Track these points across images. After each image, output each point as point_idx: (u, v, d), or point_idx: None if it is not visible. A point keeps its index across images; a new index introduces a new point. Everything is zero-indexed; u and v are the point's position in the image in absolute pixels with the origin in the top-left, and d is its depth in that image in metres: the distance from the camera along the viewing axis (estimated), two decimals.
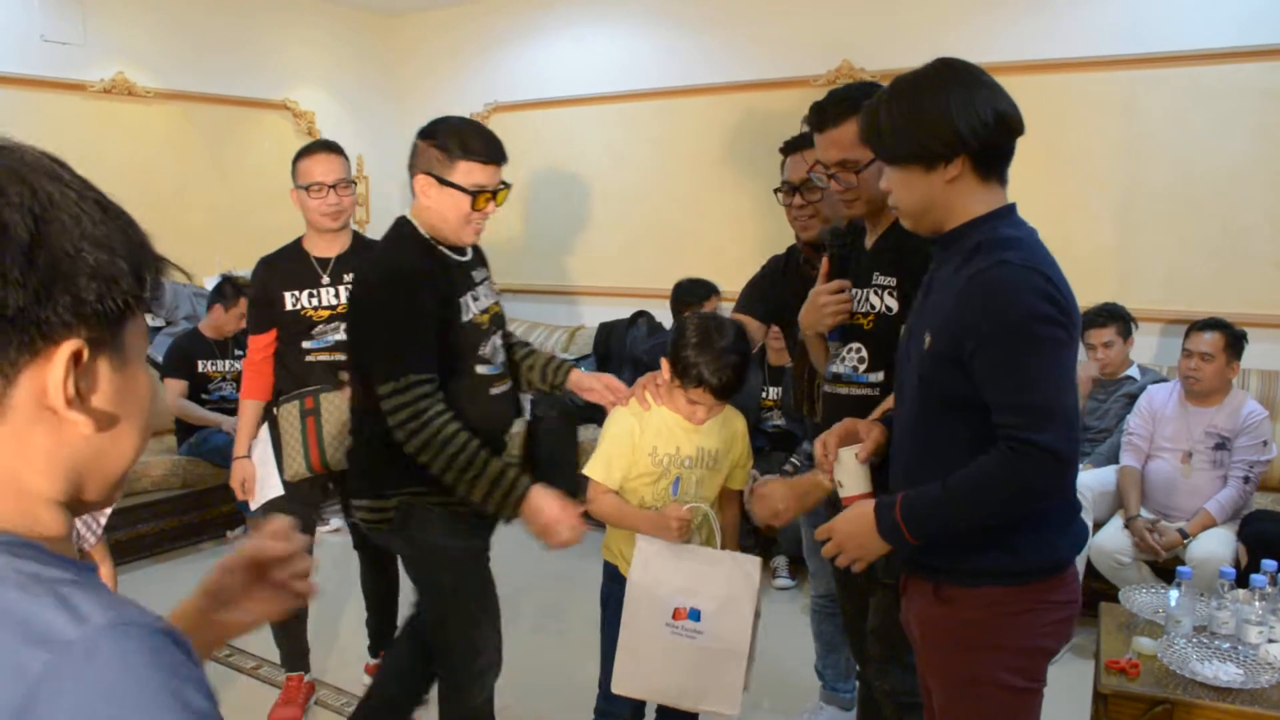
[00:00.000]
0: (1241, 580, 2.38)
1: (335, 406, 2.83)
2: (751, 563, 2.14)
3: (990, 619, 1.64)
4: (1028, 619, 1.64)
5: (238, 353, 4.90)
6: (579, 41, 5.88)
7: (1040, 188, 4.21)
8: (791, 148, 2.51)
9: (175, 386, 4.68)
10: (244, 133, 5.77)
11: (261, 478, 2.99)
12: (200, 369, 4.78)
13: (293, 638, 3.13)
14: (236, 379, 4.89)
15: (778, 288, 2.62)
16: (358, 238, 3.14)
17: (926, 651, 1.75)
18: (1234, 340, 3.65)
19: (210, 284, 5.46)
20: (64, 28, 4.94)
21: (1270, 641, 2.18)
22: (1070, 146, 4.43)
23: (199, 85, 5.51)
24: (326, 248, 3.02)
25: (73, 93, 4.98)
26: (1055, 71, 4.47)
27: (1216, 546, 3.35)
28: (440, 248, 2.24)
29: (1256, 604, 2.24)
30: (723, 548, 2.25)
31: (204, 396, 4.76)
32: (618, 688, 2.19)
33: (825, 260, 2.18)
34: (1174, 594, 2.34)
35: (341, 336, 2.89)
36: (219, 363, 4.85)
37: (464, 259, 2.29)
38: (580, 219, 5.92)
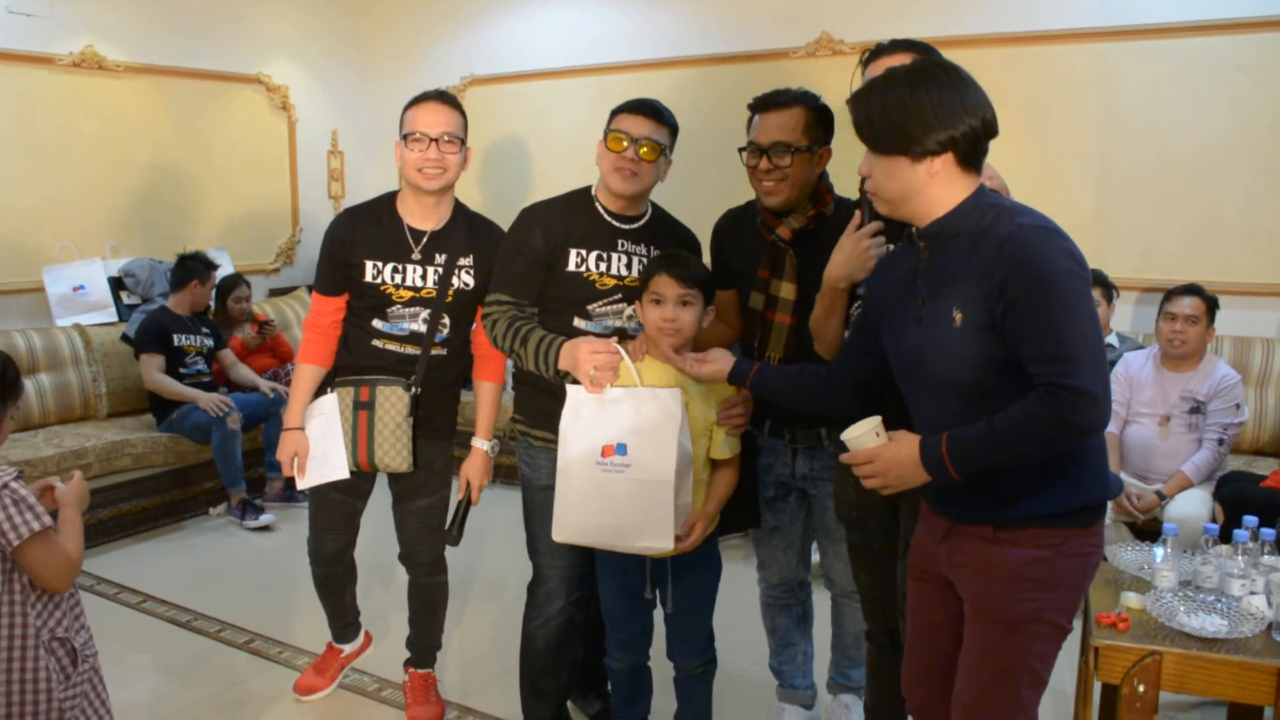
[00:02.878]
0: (1224, 536, 2.45)
1: (393, 403, 2.57)
2: (671, 394, 2.20)
3: (1053, 558, 1.72)
4: (1081, 561, 1.75)
5: (205, 330, 4.88)
6: (556, 14, 5.85)
7: (1018, 160, 4.26)
8: (762, 105, 2.38)
9: (153, 361, 4.66)
10: (218, 107, 5.70)
11: (320, 455, 2.62)
12: (176, 343, 4.75)
13: (336, 608, 2.99)
14: (208, 355, 4.86)
15: (726, 247, 2.57)
16: (461, 210, 2.72)
17: (977, 594, 1.78)
18: (1210, 306, 3.74)
19: None
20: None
21: (1252, 594, 2.25)
22: (1048, 119, 4.48)
23: (171, 59, 5.42)
24: (423, 216, 2.62)
25: (40, 66, 4.89)
26: (1032, 44, 4.52)
27: (1194, 507, 3.44)
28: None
29: (1239, 558, 2.30)
30: (705, 501, 2.30)
31: (181, 371, 4.72)
32: (559, 535, 2.26)
33: (858, 212, 2.13)
34: (1159, 550, 2.41)
35: (420, 326, 2.61)
36: (193, 337, 4.82)
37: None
38: (556, 192, 5.86)
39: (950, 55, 1.86)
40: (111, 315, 5.09)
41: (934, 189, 1.71)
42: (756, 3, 5.20)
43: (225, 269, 5.38)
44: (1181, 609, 2.22)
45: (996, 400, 1.65)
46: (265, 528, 4.62)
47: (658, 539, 2.20)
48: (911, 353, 1.81)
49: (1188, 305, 3.70)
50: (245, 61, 5.80)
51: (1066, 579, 1.75)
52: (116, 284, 5.16)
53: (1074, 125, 4.51)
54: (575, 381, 2.25)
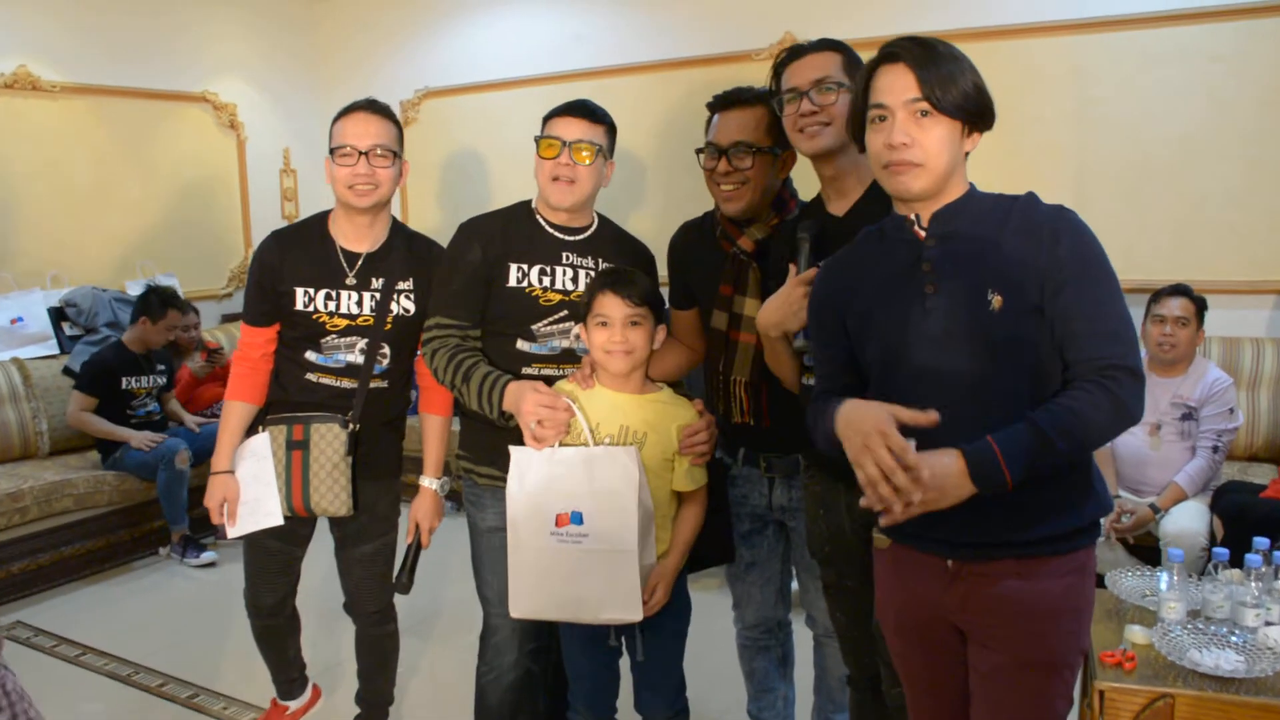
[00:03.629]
0: (1233, 558, 2.28)
1: (329, 442, 2.35)
2: (627, 453, 2.00)
3: (1081, 583, 1.63)
4: (1093, 580, 1.67)
5: (160, 368, 4.64)
6: (512, 23, 5.66)
7: (993, 158, 4.06)
8: (722, 103, 2.22)
9: (81, 401, 4.43)
10: (162, 128, 5.46)
11: (252, 500, 2.40)
12: (125, 385, 4.51)
13: (279, 663, 2.75)
14: (157, 394, 4.63)
15: (684, 263, 2.37)
16: (399, 230, 2.49)
17: (1014, 640, 1.62)
18: (1199, 307, 3.59)
19: (133, 289, 5.20)
20: None
21: (1268, 624, 2.08)
22: (1021, 116, 4.32)
23: (110, 78, 5.18)
24: (357, 237, 2.40)
25: None
26: (1001, 38, 4.37)
27: (1190, 521, 3.27)
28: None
29: (1251, 585, 2.14)
30: (668, 552, 2.11)
31: (128, 413, 4.49)
32: (516, 610, 2.07)
33: (800, 255, 1.96)
34: (1164, 577, 2.23)
35: (357, 358, 2.39)
36: (143, 379, 4.58)
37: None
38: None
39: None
40: (53, 348, 4.84)
41: (960, 168, 1.65)
42: (718, 5, 5.03)
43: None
44: (1192, 644, 2.04)
45: (1019, 395, 1.56)
46: (210, 564, 4.41)
47: (624, 611, 2.01)
48: (921, 348, 1.63)
49: (1177, 307, 3.54)
50: (190, 80, 5.57)
51: (1088, 603, 1.67)
52: (58, 315, 4.91)
53: (1047, 122, 4.35)
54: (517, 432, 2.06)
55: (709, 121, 2.25)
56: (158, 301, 4.60)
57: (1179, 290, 3.59)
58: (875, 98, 1.63)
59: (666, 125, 5.15)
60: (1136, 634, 2.14)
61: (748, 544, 2.39)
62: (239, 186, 5.85)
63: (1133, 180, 4.23)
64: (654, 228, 2.43)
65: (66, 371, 4.71)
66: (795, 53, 2.06)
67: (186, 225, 5.60)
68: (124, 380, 4.51)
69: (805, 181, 2.29)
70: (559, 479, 2.01)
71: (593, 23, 5.41)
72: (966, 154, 1.66)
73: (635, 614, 2.02)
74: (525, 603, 2.07)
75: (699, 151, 2.23)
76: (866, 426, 1.54)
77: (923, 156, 1.59)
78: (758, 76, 2.40)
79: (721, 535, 2.31)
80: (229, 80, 5.77)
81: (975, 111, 1.61)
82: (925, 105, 1.58)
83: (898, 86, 1.60)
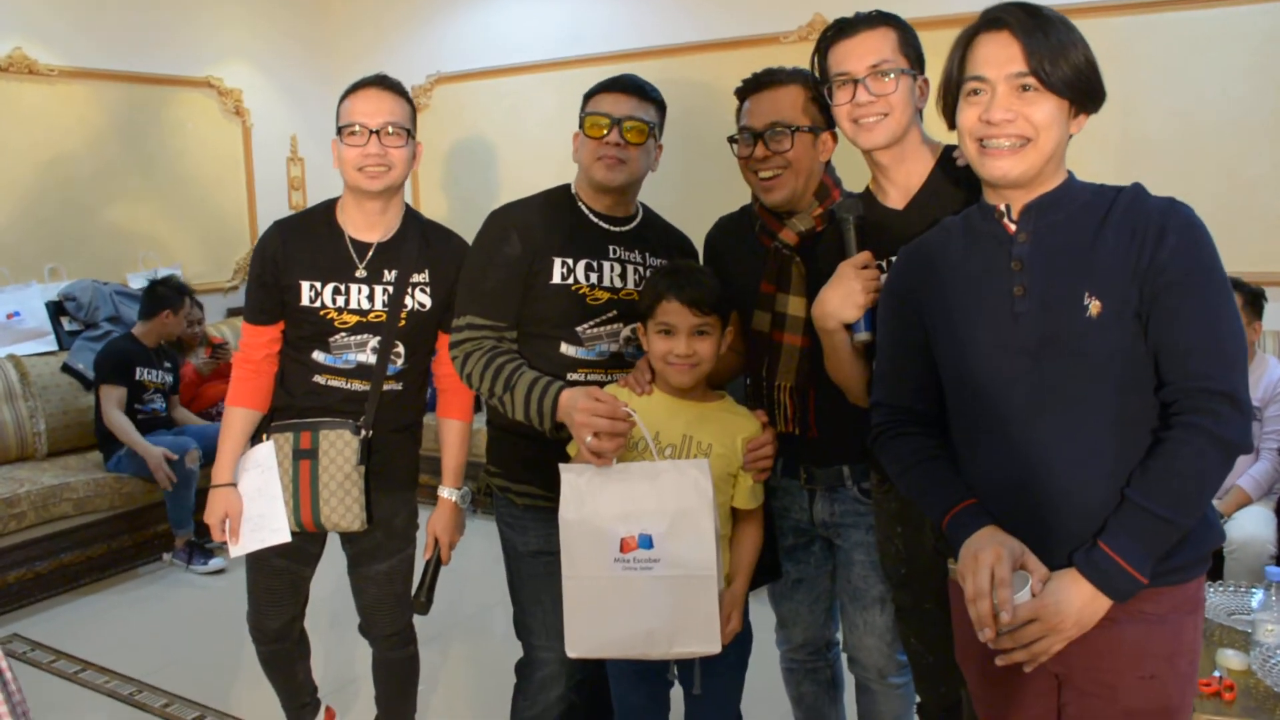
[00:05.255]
0: None
1: (339, 450, 2.16)
2: (698, 467, 1.78)
3: (1192, 620, 1.47)
4: (1202, 613, 1.50)
5: (167, 365, 4.47)
6: (528, 4, 5.45)
7: None
8: (754, 85, 2.02)
9: (114, 394, 4.24)
10: (164, 114, 5.25)
11: (257, 516, 2.20)
12: (138, 375, 4.34)
13: (289, 688, 2.55)
14: (165, 392, 4.46)
15: (722, 261, 2.17)
16: (413, 217, 2.29)
17: (1126, 687, 1.44)
18: (1252, 299, 3.39)
19: (135, 281, 5.02)
20: None
21: None
22: None
23: (110, 62, 4.98)
24: (367, 226, 2.20)
25: None
26: None
27: (1257, 527, 3.08)
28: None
29: None
30: (731, 575, 1.91)
31: (136, 407, 4.31)
32: (575, 650, 1.84)
33: (846, 238, 1.79)
34: (1259, 595, 2.04)
35: (368, 357, 2.19)
36: (154, 373, 4.41)
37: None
38: (530, 193, 5.51)
39: (952, 35, 1.52)
40: (51, 344, 4.66)
41: (1061, 154, 1.46)
42: None
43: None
44: None
45: (1108, 410, 1.39)
46: (218, 571, 4.21)
47: (701, 642, 1.80)
48: (1006, 356, 1.45)
49: None
50: (194, 64, 5.36)
51: (1198, 637, 1.50)
52: (56, 309, 4.73)
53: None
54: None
55: (739, 109, 2.05)
56: (172, 291, 4.47)
57: (1234, 285, 3.38)
58: (973, 69, 1.44)
59: (689, 112, 4.94)
60: (1231, 660, 1.96)
61: (792, 560, 2.19)
62: (244, 175, 5.64)
63: (1180, 166, 4.01)
64: (678, 218, 2.24)
65: (66, 369, 4.53)
66: (844, 28, 1.85)
67: (190, 215, 5.41)
68: (137, 370, 4.34)
69: (847, 170, 2.11)
70: (622, 499, 1.79)
71: (611, 4, 5.20)
72: (1070, 137, 1.47)
73: (714, 645, 1.80)
74: (586, 642, 1.84)
75: (731, 140, 2.04)
76: (986, 552, 1.39)
77: (1030, 130, 1.40)
78: (786, 59, 2.21)
79: (766, 551, 2.11)
80: (234, 65, 5.56)
81: (1085, 90, 1.42)
82: (1031, 80, 1.39)
83: (1000, 57, 1.41)
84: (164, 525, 4.33)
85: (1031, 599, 1.35)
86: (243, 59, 5.61)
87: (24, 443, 4.37)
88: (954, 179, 1.82)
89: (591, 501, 1.80)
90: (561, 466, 1.83)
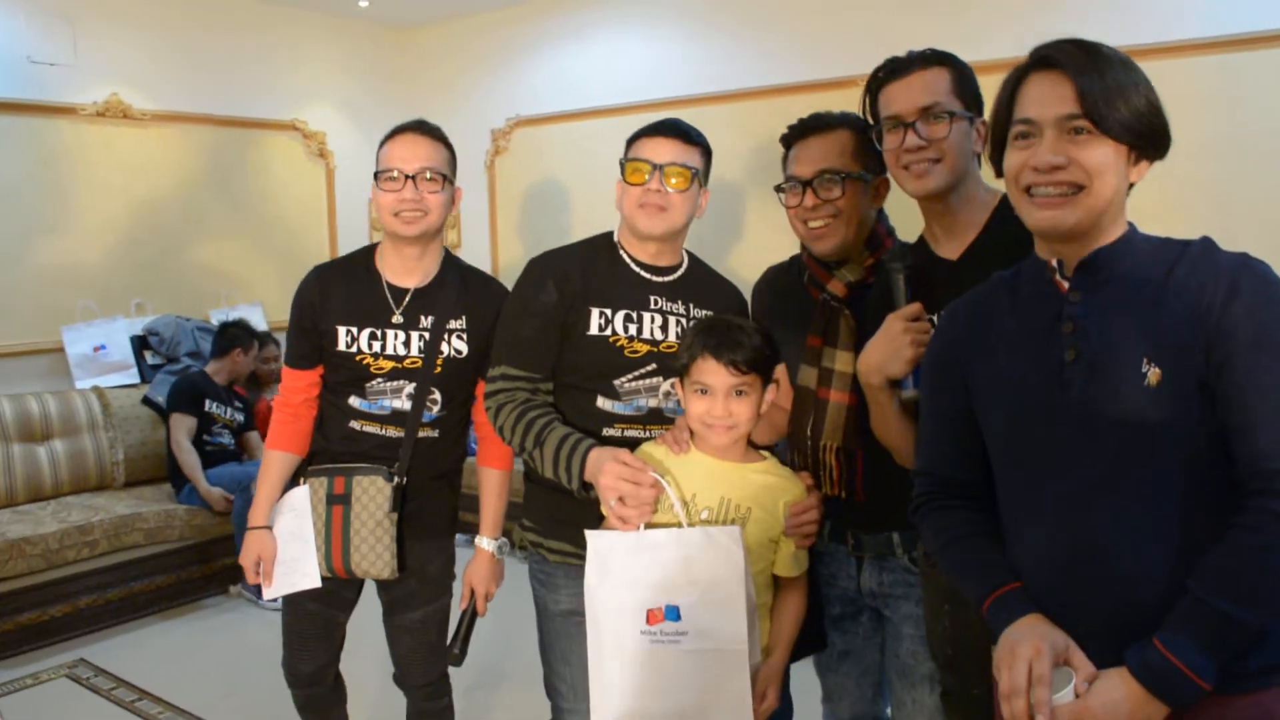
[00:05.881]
0: None
1: (371, 496, 2.13)
2: (729, 534, 1.69)
3: None
4: None
5: (238, 404, 4.57)
6: (606, 48, 5.47)
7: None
8: (800, 131, 1.95)
9: (185, 422, 4.39)
10: (250, 156, 5.42)
11: (289, 559, 2.20)
12: (207, 408, 4.47)
13: None
14: (234, 430, 4.55)
15: (769, 311, 2.08)
16: (452, 263, 2.27)
17: None
18: None
19: (216, 318, 5.14)
20: (53, 48, 4.61)
21: None
22: None
23: (199, 106, 5.16)
24: (405, 271, 2.20)
25: (64, 116, 4.65)
26: (1139, 60, 3.97)
27: None
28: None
29: None
30: (770, 648, 1.80)
31: (205, 438, 4.40)
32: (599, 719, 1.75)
33: (894, 289, 1.71)
34: None
35: (404, 404, 2.16)
36: (225, 408, 4.54)
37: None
38: None
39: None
40: (134, 376, 4.79)
41: (1120, 204, 1.34)
42: (818, 29, 4.75)
43: (256, 326, 5.06)
44: None
45: (1170, 490, 1.25)
46: None
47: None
48: (1054, 426, 1.32)
49: None
50: (279, 107, 5.52)
51: None
52: (140, 343, 4.87)
53: (1190, 152, 3.92)
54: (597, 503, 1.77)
55: (785, 156, 1.98)
56: (244, 332, 4.62)
57: None
58: (1021, 111, 1.33)
59: (763, 155, 4.87)
60: None
61: (839, 630, 2.07)
62: (326, 216, 5.77)
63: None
64: (750, 264, 2.16)
65: (146, 402, 4.65)
66: (896, 69, 1.76)
67: (273, 255, 5.54)
68: (207, 402, 4.46)
69: (899, 218, 2.01)
70: (648, 567, 1.70)
71: (688, 48, 5.18)
72: (1130, 186, 1.34)
73: None
74: (612, 713, 1.74)
75: (779, 189, 1.96)
76: (1024, 645, 1.26)
77: (1083, 177, 1.28)
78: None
79: (811, 619, 1.99)
80: (318, 108, 5.71)
81: (1146, 134, 1.31)
82: (1084, 122, 1.28)
83: (1051, 98, 1.30)
84: (233, 558, 4.37)
85: (1075, 699, 1.22)
86: (327, 102, 5.76)
87: (103, 472, 4.49)
88: (1014, 230, 1.71)
89: (617, 569, 1.72)
90: (587, 533, 1.76)
